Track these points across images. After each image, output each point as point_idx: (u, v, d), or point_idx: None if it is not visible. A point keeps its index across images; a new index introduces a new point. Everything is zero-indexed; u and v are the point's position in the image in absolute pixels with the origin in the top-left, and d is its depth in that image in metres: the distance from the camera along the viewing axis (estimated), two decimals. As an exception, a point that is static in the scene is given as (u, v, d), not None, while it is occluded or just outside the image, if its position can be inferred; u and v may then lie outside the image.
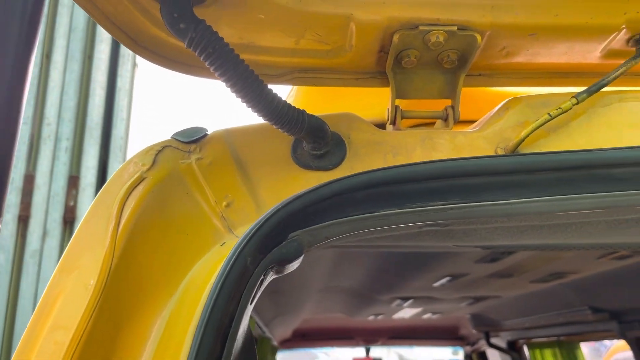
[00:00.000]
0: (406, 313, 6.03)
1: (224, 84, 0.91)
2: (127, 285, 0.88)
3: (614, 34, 1.04)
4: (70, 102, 3.11)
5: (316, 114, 1.02)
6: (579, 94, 1.03)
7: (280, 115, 0.93)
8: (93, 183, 3.09)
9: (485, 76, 1.14)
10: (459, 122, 1.15)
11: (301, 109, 0.96)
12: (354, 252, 3.08)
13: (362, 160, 1.03)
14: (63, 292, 0.84)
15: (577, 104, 1.02)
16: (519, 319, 5.53)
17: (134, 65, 3.21)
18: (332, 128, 1.04)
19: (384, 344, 8.05)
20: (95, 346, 0.82)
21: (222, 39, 0.87)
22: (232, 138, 1.03)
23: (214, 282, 0.79)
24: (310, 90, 1.30)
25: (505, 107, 1.08)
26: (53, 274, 0.89)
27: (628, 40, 1.07)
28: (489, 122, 1.08)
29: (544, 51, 1.08)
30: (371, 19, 0.97)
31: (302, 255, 0.91)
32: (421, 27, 0.99)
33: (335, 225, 0.88)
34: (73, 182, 3.11)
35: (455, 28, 1.00)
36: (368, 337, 7.74)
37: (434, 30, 0.99)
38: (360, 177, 0.87)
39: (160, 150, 1.00)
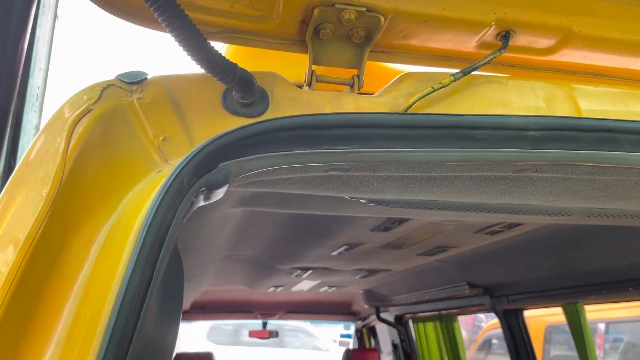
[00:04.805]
0: (304, 285, 6.26)
1: (169, 34, 1.06)
2: (75, 198, 1.02)
3: (486, 29, 1.32)
4: (-14, 48, 3.02)
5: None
6: (456, 73, 1.30)
7: (216, 65, 1.10)
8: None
9: (386, 53, 1.38)
10: (362, 93, 1.38)
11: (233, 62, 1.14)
12: (260, 219, 3.26)
13: (282, 112, 1.23)
14: (17, 199, 0.97)
15: (455, 81, 1.29)
16: (407, 295, 5.97)
17: (55, 16, 3.16)
18: (258, 83, 1.23)
19: (281, 317, 8.25)
20: (47, 246, 0.96)
21: (170, -6, 1.03)
22: (169, 83, 1.19)
23: (155, 195, 0.95)
24: (239, 49, 1.48)
25: (400, 80, 1.33)
26: (5, 187, 1.00)
27: (496, 35, 1.35)
28: (386, 90, 1.32)
29: (433, 37, 1.34)
30: (297, -7, 1.17)
31: (228, 183, 1.10)
32: (337, 5, 1.20)
33: (259, 159, 1.08)
34: (-15, 127, 3.05)
35: (364, 9, 1.22)
36: (266, 310, 7.90)
37: (347, 8, 1.21)
38: (282, 120, 1.07)
39: (105, 87, 1.14)
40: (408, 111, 1.27)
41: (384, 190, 1.49)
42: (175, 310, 1.05)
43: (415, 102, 1.26)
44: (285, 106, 1.23)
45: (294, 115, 1.05)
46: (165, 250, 0.96)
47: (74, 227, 1.00)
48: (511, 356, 5.04)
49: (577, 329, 4.11)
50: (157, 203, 0.94)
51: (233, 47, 1.42)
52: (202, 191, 1.06)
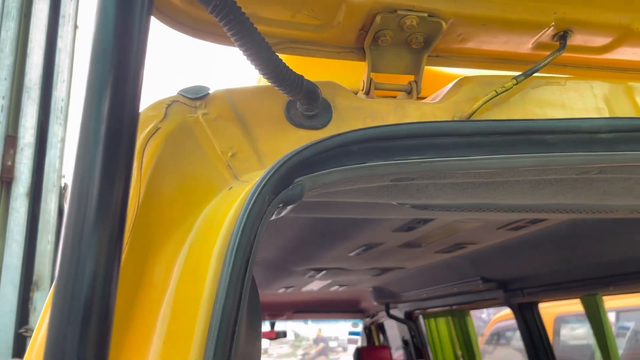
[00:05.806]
0: (315, 285, 6.22)
1: (239, 48, 1.03)
2: (152, 220, 0.99)
3: (545, 30, 1.30)
4: (7, 61, 2.97)
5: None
6: (518, 76, 1.28)
7: (285, 78, 1.08)
8: (32, 143, 2.98)
9: (442, 57, 1.36)
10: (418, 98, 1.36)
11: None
12: (280, 222, 3.23)
13: (345, 122, 1.20)
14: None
15: (517, 84, 1.27)
16: (417, 291, 5.94)
17: (75, 26, 3.11)
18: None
19: (289, 318, 8.21)
20: (131, 271, 0.93)
21: (240, 7, 1.00)
22: (232, 97, 1.16)
23: (239, 215, 0.93)
24: (290, 58, 1.45)
25: (459, 84, 1.30)
26: None
27: (554, 36, 1.33)
28: (446, 96, 1.29)
29: (490, 39, 1.32)
30: (360, 1, 1.14)
31: (302, 198, 1.07)
32: (399, 11, 1.18)
33: (333, 173, 1.05)
34: (10, 141, 2.99)
35: (426, 14, 1.19)
36: (274, 311, 7.86)
37: (409, 14, 1.18)
38: (356, 133, 1.04)
39: (169, 104, 1.11)
40: (472, 117, 1.25)
41: (438, 196, 1.47)
42: (258, 325, 1.03)
43: (480, 107, 1.24)
44: (348, 116, 1.20)
45: (368, 127, 1.03)
46: (250, 269, 0.93)
47: (154, 251, 0.97)
48: (527, 350, 5.03)
49: (597, 320, 4.11)
50: (242, 224, 0.92)
51: (284, 56, 1.39)
52: (279, 207, 1.04)
